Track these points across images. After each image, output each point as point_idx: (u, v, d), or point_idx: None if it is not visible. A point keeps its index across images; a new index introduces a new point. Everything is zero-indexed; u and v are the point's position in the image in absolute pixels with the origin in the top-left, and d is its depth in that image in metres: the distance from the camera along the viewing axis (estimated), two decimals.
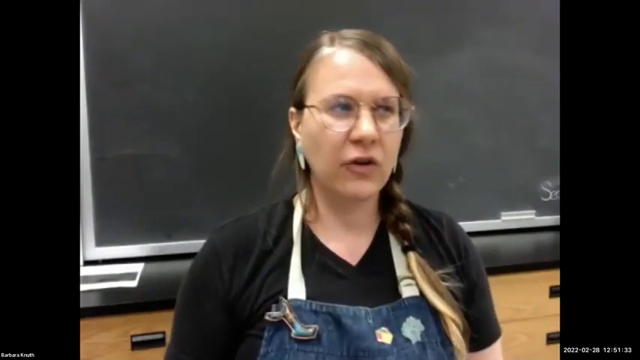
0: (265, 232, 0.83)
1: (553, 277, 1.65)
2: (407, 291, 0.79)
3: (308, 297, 0.77)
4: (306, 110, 0.79)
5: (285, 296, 0.77)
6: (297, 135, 0.83)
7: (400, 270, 0.81)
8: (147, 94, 1.63)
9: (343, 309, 0.76)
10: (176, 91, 1.65)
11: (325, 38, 0.81)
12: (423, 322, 0.77)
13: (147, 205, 1.66)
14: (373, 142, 0.74)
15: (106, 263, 1.63)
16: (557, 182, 2.03)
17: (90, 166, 1.61)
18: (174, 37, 1.63)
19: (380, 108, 0.76)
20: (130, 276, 1.50)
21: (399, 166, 0.85)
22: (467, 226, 1.83)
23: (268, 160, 0.87)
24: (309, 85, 0.80)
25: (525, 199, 2.03)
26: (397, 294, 0.79)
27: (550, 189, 2.05)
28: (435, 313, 0.78)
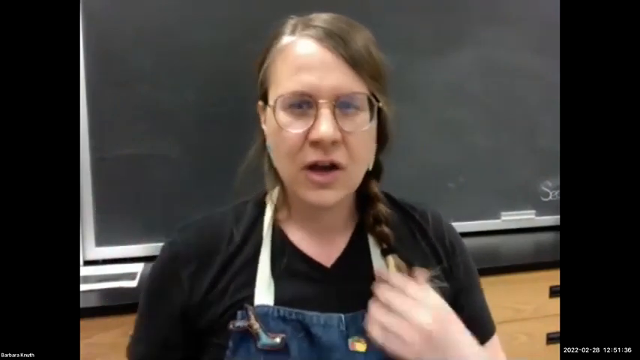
0: (232, 233, 0.77)
1: (553, 277, 1.65)
2: None
3: (276, 302, 0.72)
4: (268, 106, 0.73)
5: (252, 302, 0.71)
6: (265, 130, 0.76)
7: None
8: (147, 94, 1.63)
9: (313, 317, 0.71)
10: (176, 91, 1.64)
11: (288, 25, 0.74)
12: None
13: (147, 205, 1.66)
14: (335, 143, 0.67)
15: (106, 263, 1.62)
16: (557, 182, 2.03)
17: (90, 166, 1.61)
18: (174, 37, 1.63)
19: (344, 105, 0.68)
20: (130, 276, 1.50)
21: (378, 163, 0.79)
22: (467, 226, 1.86)
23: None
24: (269, 78, 0.73)
25: (525, 199, 2.03)
26: None
27: (550, 189, 2.05)
28: None
